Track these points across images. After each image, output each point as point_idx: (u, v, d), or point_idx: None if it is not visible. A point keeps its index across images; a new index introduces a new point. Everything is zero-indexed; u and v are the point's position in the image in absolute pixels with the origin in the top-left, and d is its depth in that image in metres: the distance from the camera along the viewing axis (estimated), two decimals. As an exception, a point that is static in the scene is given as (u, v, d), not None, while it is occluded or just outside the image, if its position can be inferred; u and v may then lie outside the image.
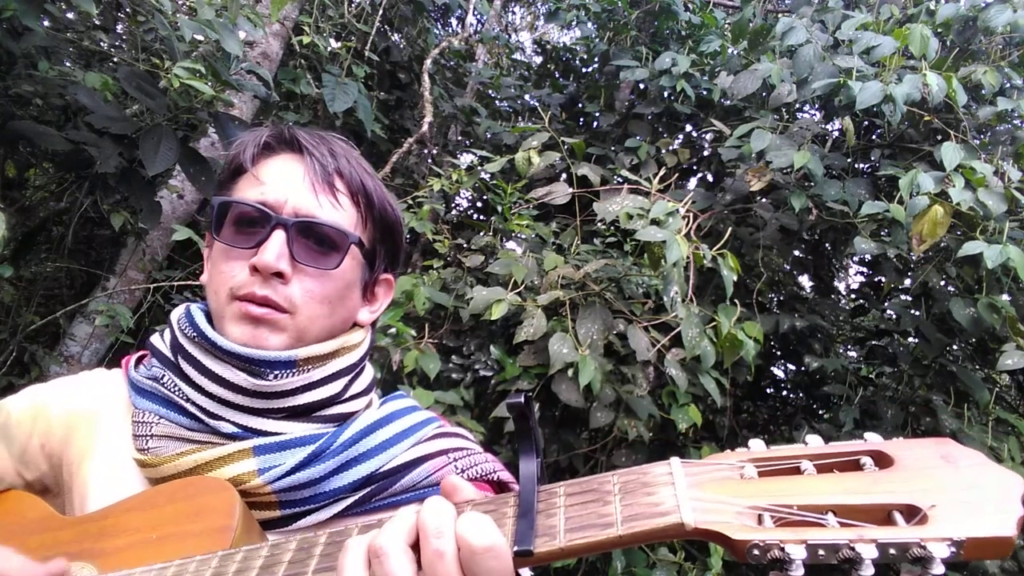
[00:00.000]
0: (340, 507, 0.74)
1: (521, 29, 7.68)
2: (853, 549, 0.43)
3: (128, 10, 3.13)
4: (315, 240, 0.78)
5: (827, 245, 4.01)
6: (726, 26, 4.27)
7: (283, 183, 0.78)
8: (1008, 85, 3.12)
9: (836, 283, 4.50)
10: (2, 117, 2.59)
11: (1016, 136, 3.08)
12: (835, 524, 0.45)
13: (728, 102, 3.90)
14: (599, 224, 3.29)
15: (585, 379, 2.40)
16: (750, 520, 0.47)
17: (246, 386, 0.74)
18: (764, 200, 3.47)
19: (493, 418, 2.67)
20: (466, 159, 4.45)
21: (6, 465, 0.82)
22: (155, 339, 0.83)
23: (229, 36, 2.34)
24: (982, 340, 3.24)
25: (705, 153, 4.27)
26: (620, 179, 3.21)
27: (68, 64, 3.00)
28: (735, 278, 2.55)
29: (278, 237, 0.75)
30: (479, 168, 3.46)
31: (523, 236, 3.41)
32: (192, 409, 0.75)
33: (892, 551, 0.43)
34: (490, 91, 5.01)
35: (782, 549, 0.44)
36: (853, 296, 4.43)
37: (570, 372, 2.49)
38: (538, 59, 5.81)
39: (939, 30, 3.18)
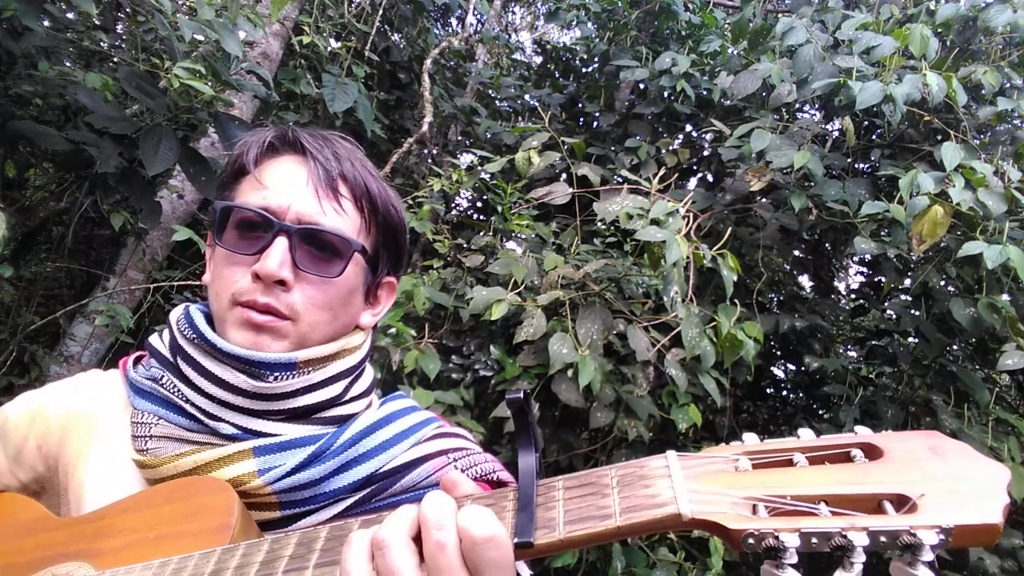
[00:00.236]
0: (340, 508, 0.74)
1: (521, 29, 7.70)
2: (845, 537, 0.44)
3: (128, 10, 3.14)
4: (318, 247, 0.77)
5: (827, 245, 4.02)
6: (726, 26, 4.28)
7: (286, 188, 0.77)
8: (1008, 85, 3.13)
9: (836, 283, 4.51)
10: (2, 117, 2.59)
11: (1016, 136, 3.08)
12: (827, 513, 0.46)
13: (728, 102, 3.90)
14: (599, 224, 3.29)
15: (585, 379, 2.41)
16: (745, 510, 0.48)
17: (246, 388, 0.73)
18: (764, 200, 3.48)
19: (493, 418, 2.67)
20: (466, 159, 4.46)
21: (1, 467, 0.82)
22: (154, 339, 0.83)
23: (229, 36, 2.35)
24: (982, 340, 3.25)
25: (705, 153, 4.28)
26: (620, 179, 3.22)
27: (68, 64, 3.01)
28: (735, 278, 2.55)
29: (280, 244, 0.74)
30: (479, 168, 3.47)
31: (523, 236, 3.42)
32: (191, 410, 0.74)
33: (883, 538, 0.44)
34: (490, 91, 5.01)
35: (776, 537, 0.45)
36: (853, 296, 4.44)
37: (570, 372, 2.49)
38: (538, 59, 5.82)
39: (939, 30, 3.19)
